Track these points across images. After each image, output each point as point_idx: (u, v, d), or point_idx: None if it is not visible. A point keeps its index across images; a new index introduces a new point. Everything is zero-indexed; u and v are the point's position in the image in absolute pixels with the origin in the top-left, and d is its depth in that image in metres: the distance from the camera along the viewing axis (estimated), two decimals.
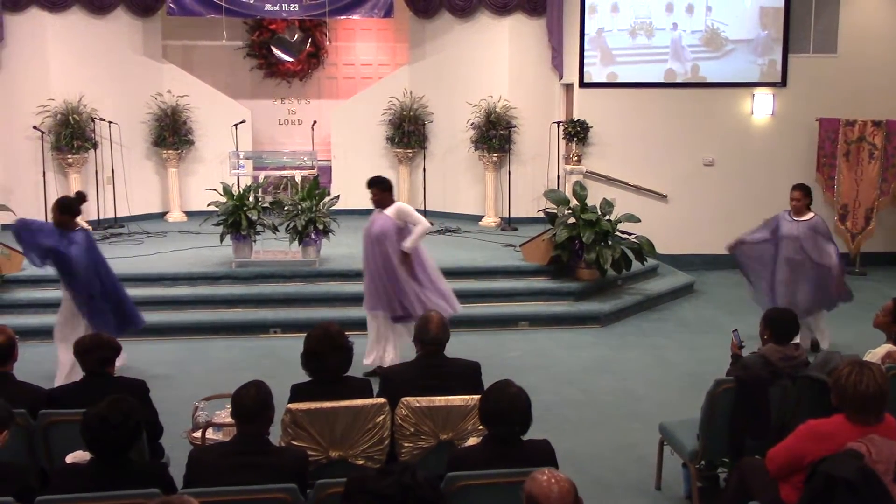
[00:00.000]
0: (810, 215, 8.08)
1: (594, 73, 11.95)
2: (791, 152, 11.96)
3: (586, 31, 11.84)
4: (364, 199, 12.96)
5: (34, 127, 11.93)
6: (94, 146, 12.26)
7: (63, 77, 12.19)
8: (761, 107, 11.93)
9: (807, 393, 5.01)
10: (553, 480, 2.99)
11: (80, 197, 7.46)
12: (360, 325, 8.45)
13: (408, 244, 7.38)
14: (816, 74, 11.89)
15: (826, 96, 11.84)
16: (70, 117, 11.96)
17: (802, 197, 8.05)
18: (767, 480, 4.27)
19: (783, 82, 11.91)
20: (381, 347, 7.45)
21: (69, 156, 12.07)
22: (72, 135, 11.95)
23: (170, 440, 5.12)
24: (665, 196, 11.91)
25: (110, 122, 12.29)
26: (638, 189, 11.89)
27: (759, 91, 11.93)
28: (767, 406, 4.98)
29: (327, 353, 4.63)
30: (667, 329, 9.35)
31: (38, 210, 11.97)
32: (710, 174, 11.97)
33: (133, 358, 7.33)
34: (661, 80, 11.89)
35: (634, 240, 9.90)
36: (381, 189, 7.51)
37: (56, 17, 12.21)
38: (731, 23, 11.81)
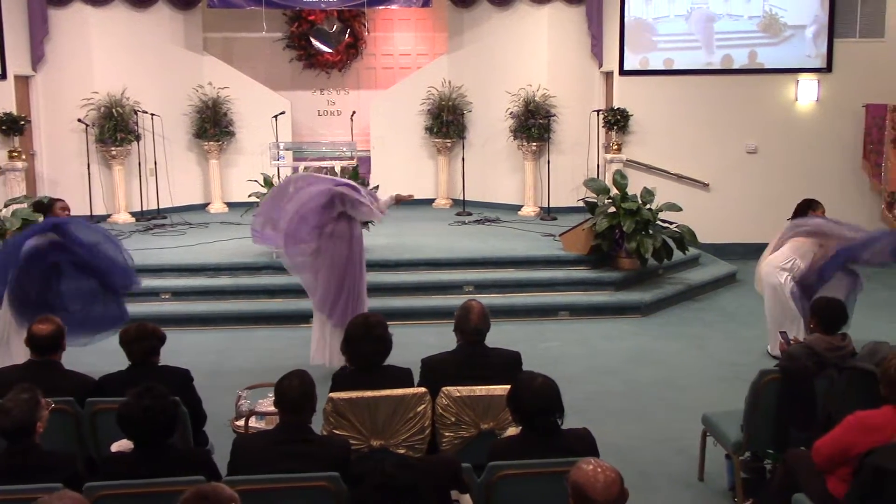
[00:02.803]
0: None
1: (635, 61, 11.86)
2: (836, 139, 11.75)
3: (627, 18, 11.78)
4: (402, 189, 13.15)
5: (79, 120, 12.13)
6: (137, 138, 12.42)
7: (106, 70, 12.35)
8: (806, 93, 11.74)
9: (854, 384, 4.90)
10: (599, 470, 2.97)
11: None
12: (402, 314, 8.55)
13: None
14: (863, 59, 11.65)
15: (873, 82, 11.60)
16: (113, 110, 12.12)
17: None
18: (814, 472, 4.21)
19: (828, 68, 11.69)
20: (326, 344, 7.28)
21: (113, 148, 12.24)
22: (115, 127, 12.12)
23: (213, 428, 5.18)
24: (707, 184, 11.78)
25: (152, 115, 12.45)
26: (679, 177, 11.77)
27: (803, 77, 11.73)
28: (813, 397, 4.90)
29: (362, 340, 4.65)
30: (709, 319, 9.25)
31: (83, 201, 12.21)
32: (752, 162, 11.81)
33: (177, 347, 7.41)
34: (715, 67, 11.78)
35: (676, 229, 9.80)
36: None
37: (99, 10, 12.37)
38: (789, 8, 11.62)
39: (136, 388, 3.81)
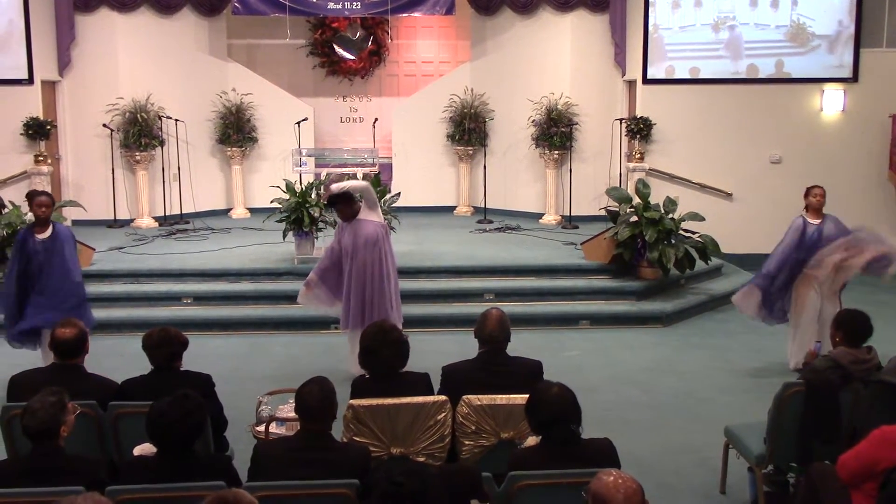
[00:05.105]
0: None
1: (660, 69, 11.82)
2: (862, 150, 11.63)
3: (651, 26, 11.75)
4: (424, 197, 13.27)
5: (104, 125, 12.24)
6: (161, 144, 12.51)
7: (131, 76, 12.47)
8: (831, 103, 11.64)
9: (880, 398, 4.84)
10: (620, 481, 2.94)
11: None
12: (422, 321, 8.53)
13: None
14: (890, 69, 11.55)
15: None
16: (138, 115, 12.22)
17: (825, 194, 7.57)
18: (839, 487, 4.16)
19: (854, 77, 11.59)
20: None
21: (137, 153, 12.34)
22: (140, 132, 12.22)
23: (234, 433, 5.19)
24: (730, 194, 11.70)
25: (177, 120, 12.53)
26: (702, 187, 11.70)
27: (828, 87, 11.64)
28: (838, 410, 4.85)
29: (380, 349, 4.65)
30: (731, 330, 9.17)
31: (107, 206, 12.31)
32: (776, 172, 11.72)
33: (198, 352, 7.44)
34: (742, 77, 11.72)
35: (698, 238, 9.75)
36: (349, 203, 7.31)
37: (125, 17, 12.48)
38: (817, 17, 11.54)
39: (170, 396, 3.82)
